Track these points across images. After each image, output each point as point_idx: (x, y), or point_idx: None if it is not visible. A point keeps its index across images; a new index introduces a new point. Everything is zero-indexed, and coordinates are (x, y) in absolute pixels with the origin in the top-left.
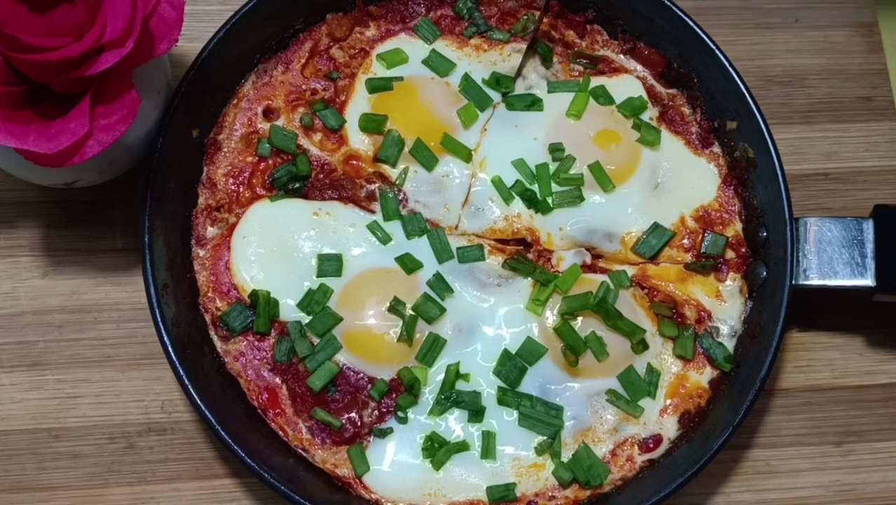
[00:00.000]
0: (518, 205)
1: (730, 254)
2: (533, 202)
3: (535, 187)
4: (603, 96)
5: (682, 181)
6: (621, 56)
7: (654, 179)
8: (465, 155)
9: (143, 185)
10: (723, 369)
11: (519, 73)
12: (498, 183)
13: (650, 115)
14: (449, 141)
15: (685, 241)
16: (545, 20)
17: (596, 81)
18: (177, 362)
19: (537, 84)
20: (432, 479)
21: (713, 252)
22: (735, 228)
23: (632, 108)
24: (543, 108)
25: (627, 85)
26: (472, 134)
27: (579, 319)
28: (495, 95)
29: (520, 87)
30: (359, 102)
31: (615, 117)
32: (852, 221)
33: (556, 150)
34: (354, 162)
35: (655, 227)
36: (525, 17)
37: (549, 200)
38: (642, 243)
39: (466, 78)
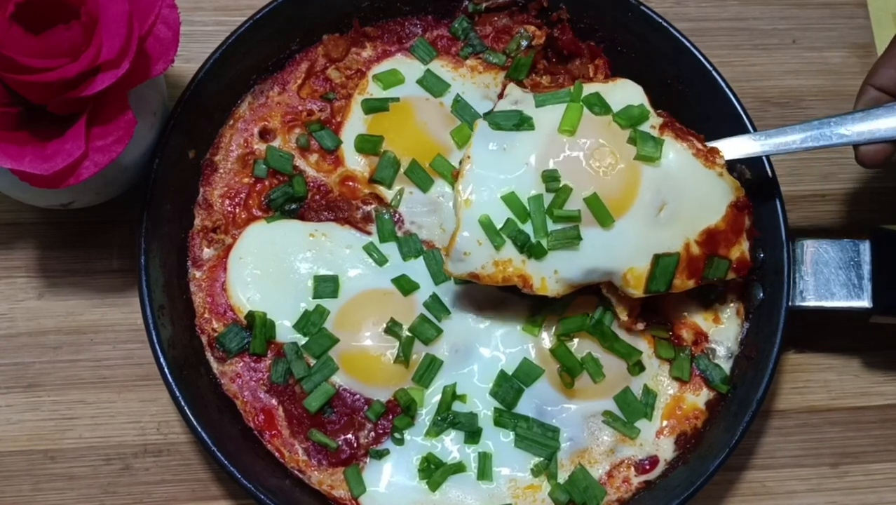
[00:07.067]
0: (509, 248)
1: (731, 275)
2: (525, 246)
3: (528, 227)
4: (598, 105)
5: (689, 200)
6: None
7: (657, 201)
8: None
9: (139, 206)
10: (719, 391)
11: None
12: (486, 224)
13: (652, 122)
14: (440, 163)
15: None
16: (541, 32)
17: (589, 88)
18: (173, 384)
19: (523, 99)
20: (429, 500)
21: (715, 276)
22: (741, 249)
23: (629, 118)
24: (534, 127)
25: (626, 91)
26: None
27: (576, 340)
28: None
29: (504, 104)
30: (355, 123)
31: (612, 129)
32: (849, 243)
33: (550, 178)
34: (351, 183)
35: (658, 258)
36: (518, 34)
37: (544, 243)
38: (653, 280)
39: (458, 99)
